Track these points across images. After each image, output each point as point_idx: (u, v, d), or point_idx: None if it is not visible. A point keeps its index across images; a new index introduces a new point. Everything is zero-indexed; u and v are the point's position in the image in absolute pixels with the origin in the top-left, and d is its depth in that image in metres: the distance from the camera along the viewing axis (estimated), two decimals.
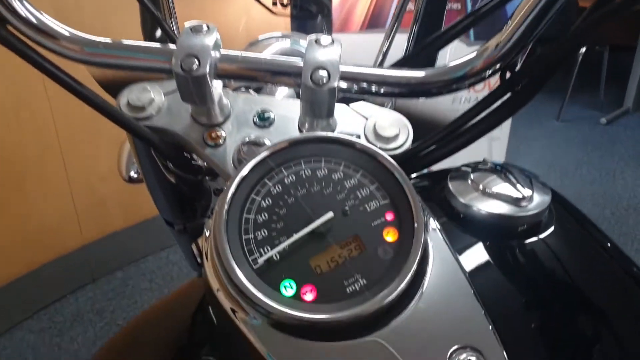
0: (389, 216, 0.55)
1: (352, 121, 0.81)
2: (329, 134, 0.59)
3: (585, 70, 4.88)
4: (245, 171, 0.56)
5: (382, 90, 0.73)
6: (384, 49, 1.01)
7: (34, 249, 2.61)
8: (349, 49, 0.88)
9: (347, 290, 0.51)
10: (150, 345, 0.69)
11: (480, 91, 2.29)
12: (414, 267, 0.51)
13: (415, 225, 0.53)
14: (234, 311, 0.52)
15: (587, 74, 5.04)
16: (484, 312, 0.50)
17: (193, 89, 0.69)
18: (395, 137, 0.79)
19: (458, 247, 0.59)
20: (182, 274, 2.76)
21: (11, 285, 2.58)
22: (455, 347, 0.48)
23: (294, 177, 0.57)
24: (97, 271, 2.78)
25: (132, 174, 1.19)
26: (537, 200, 0.61)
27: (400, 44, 0.97)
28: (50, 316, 2.56)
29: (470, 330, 0.49)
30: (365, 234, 0.54)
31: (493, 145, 3.18)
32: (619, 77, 5.26)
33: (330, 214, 0.54)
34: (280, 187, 0.56)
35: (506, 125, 3.28)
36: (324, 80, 0.62)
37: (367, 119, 0.82)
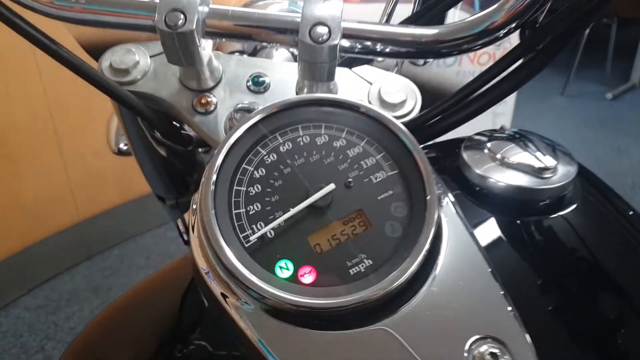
0: (397, 188, 0.49)
1: (355, 86, 0.74)
2: (330, 95, 0.52)
3: (592, 43, 4.77)
4: (235, 137, 0.49)
5: (388, 50, 0.66)
6: (389, 9, 0.93)
7: (28, 226, 2.57)
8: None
9: (351, 272, 0.45)
10: (135, 328, 0.64)
11: (486, 64, 2.21)
12: (427, 246, 0.45)
13: (428, 198, 0.47)
14: (224, 295, 0.46)
15: (594, 48, 4.92)
16: (507, 298, 0.44)
17: (179, 48, 0.62)
18: (402, 103, 0.73)
19: (472, 224, 0.53)
20: (180, 251, 2.71)
21: (6, 262, 2.54)
22: (474, 338, 0.42)
23: (290, 145, 0.50)
24: (92, 248, 2.73)
25: (122, 146, 1.13)
26: (562, 172, 0.55)
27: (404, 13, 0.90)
28: (46, 293, 2.53)
29: (491, 319, 0.43)
30: (371, 208, 0.48)
31: (497, 121, 3.11)
32: (627, 51, 5.15)
33: (331, 186, 0.48)
34: (275, 156, 0.50)
35: (510, 100, 3.20)
36: (324, 37, 0.55)
37: (371, 84, 0.75)
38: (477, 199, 0.56)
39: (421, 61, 0.99)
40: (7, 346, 2.26)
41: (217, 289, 0.46)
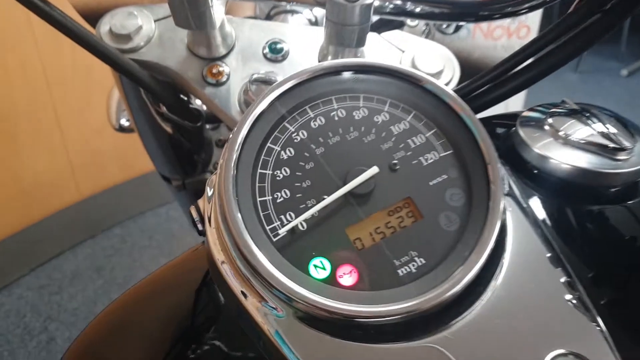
0: (453, 172, 0.41)
1: (386, 54, 0.66)
2: (373, 60, 0.44)
3: None
4: (258, 110, 0.41)
5: (423, 10, 0.58)
6: None
7: (29, 204, 2.50)
8: None
9: (399, 272, 0.37)
10: (143, 326, 0.57)
11: (524, 37, 2.09)
12: (492, 241, 0.37)
13: (492, 183, 0.39)
14: (244, 294, 0.39)
15: None
16: (589, 306, 0.37)
17: (189, 8, 0.54)
18: (439, 74, 0.65)
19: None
20: (183, 231, 2.65)
21: (8, 241, 2.48)
22: (553, 355, 0.35)
23: (323, 120, 0.42)
24: (95, 227, 2.67)
25: (123, 121, 1.05)
26: (639, 153, 0.47)
27: None
28: (48, 273, 2.47)
29: (571, 330, 0.36)
30: (421, 196, 0.40)
31: (509, 100, 3.00)
32: None
33: (373, 169, 0.40)
34: (305, 134, 0.42)
35: None
36: None
37: (403, 51, 0.67)
38: (535, 183, 0.48)
39: (451, 29, 0.90)
40: (10, 327, 2.21)
41: (237, 288, 0.39)
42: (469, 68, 0.72)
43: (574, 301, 0.37)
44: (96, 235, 2.66)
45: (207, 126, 0.92)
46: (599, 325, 0.36)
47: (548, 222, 0.44)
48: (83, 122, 2.47)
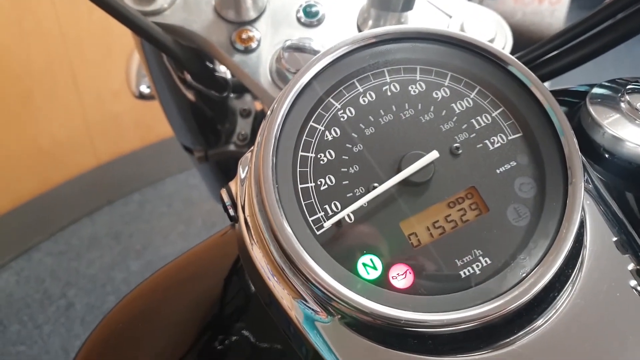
0: (523, 158, 0.35)
1: (432, 19, 0.60)
2: (433, 27, 0.38)
3: None
4: (301, 84, 0.36)
5: None
6: None
7: (47, 168, 2.48)
8: None
9: (461, 274, 0.33)
10: (170, 312, 0.53)
11: (556, 2, 1.99)
12: (570, 240, 0.32)
13: (570, 173, 0.34)
14: (280, 290, 0.35)
15: None
16: None
17: None
18: (491, 42, 0.58)
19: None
20: (202, 198, 2.62)
21: (26, 206, 2.47)
22: None
23: (373, 96, 0.37)
24: (113, 193, 2.65)
25: (143, 88, 1.00)
26: None
27: None
28: (67, 238, 2.47)
29: None
30: (487, 185, 0.35)
31: None
32: None
33: (433, 154, 0.34)
34: (353, 111, 0.37)
35: None
36: None
37: (450, 16, 0.61)
38: (607, 169, 0.42)
39: None
40: (30, 291, 2.23)
41: (277, 288, 0.34)
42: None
43: None
44: (114, 201, 2.64)
45: (232, 95, 0.86)
46: None
47: (627, 217, 0.39)
48: (100, 84, 2.43)
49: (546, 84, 0.56)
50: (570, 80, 0.52)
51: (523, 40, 0.74)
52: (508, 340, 0.32)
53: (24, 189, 2.49)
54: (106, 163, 2.67)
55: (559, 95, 0.54)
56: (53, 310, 2.14)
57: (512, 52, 0.59)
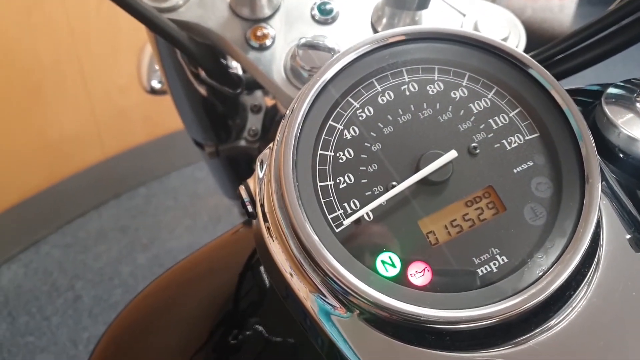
0: (540, 158, 0.36)
1: (445, 18, 0.60)
2: (450, 27, 0.38)
3: None
4: (320, 83, 0.37)
5: None
6: None
7: (55, 161, 2.50)
8: None
9: (479, 272, 0.33)
10: (185, 308, 0.54)
11: None
12: (587, 240, 0.33)
13: (587, 173, 0.34)
14: (298, 285, 0.35)
15: None
16: None
17: None
18: (504, 40, 0.58)
19: None
20: (208, 192, 2.63)
21: (34, 199, 2.49)
22: None
23: (392, 95, 0.38)
24: (120, 187, 2.66)
25: (155, 83, 1.00)
26: None
27: None
28: (74, 232, 2.49)
29: None
30: (504, 185, 0.35)
31: None
32: None
33: (451, 154, 0.35)
34: (372, 110, 0.37)
35: None
36: None
37: (464, 15, 0.61)
38: (623, 169, 0.43)
39: None
40: (38, 283, 2.25)
41: (299, 286, 0.35)
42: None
43: None
44: (121, 195, 2.66)
45: (246, 91, 0.87)
46: None
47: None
48: (108, 79, 2.44)
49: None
50: (580, 77, 0.53)
51: (534, 37, 0.74)
52: (524, 337, 0.32)
53: (32, 182, 2.51)
54: (113, 157, 2.68)
55: (573, 94, 0.55)
56: (61, 302, 2.16)
57: (525, 50, 0.59)
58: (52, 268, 2.32)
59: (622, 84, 0.48)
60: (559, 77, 0.52)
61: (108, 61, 2.39)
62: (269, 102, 0.91)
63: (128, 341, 0.53)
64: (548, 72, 0.37)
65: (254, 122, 0.89)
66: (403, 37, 0.38)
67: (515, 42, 0.59)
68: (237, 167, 1.00)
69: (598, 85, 0.53)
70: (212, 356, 0.51)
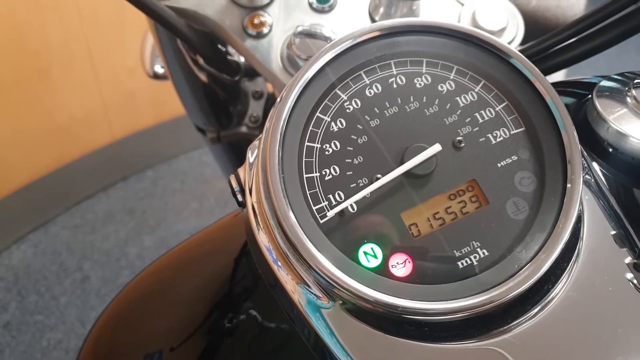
0: (524, 153, 0.36)
1: (443, 8, 0.60)
2: (438, 20, 0.38)
3: None
4: (310, 74, 0.37)
5: None
6: None
7: (63, 143, 2.52)
8: None
9: (459, 264, 0.34)
10: (181, 290, 0.55)
11: None
12: (566, 234, 0.33)
13: (570, 168, 0.35)
14: (284, 275, 0.36)
15: None
16: None
17: None
18: (502, 31, 0.58)
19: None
20: (215, 176, 2.65)
21: (43, 180, 2.52)
22: None
23: (379, 88, 0.38)
24: (127, 169, 2.68)
25: (157, 68, 1.01)
26: None
27: None
28: (82, 213, 2.51)
29: None
30: (488, 179, 0.36)
31: None
32: None
33: (435, 147, 0.35)
34: (359, 103, 0.37)
35: None
36: None
37: (462, 4, 0.61)
38: (610, 164, 0.43)
39: None
40: (47, 263, 2.28)
41: (284, 276, 0.36)
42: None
43: None
44: (128, 177, 2.68)
45: (244, 78, 0.87)
46: None
47: (625, 209, 0.40)
48: (116, 61, 2.44)
49: (561, 73, 0.55)
50: (592, 64, 0.52)
51: (539, 27, 0.74)
52: (502, 329, 0.33)
53: (41, 163, 2.53)
54: (121, 139, 2.70)
55: (571, 86, 0.54)
56: (69, 283, 2.19)
57: (528, 41, 0.59)
58: (60, 249, 2.36)
59: (615, 76, 0.47)
60: (557, 67, 0.51)
61: (116, 43, 2.39)
62: (270, 88, 0.91)
63: (125, 320, 0.54)
64: (533, 65, 0.37)
65: (256, 109, 0.89)
66: (391, 30, 0.38)
67: (514, 32, 0.59)
68: (239, 153, 1.00)
69: (599, 77, 0.53)
70: (205, 337, 0.52)
